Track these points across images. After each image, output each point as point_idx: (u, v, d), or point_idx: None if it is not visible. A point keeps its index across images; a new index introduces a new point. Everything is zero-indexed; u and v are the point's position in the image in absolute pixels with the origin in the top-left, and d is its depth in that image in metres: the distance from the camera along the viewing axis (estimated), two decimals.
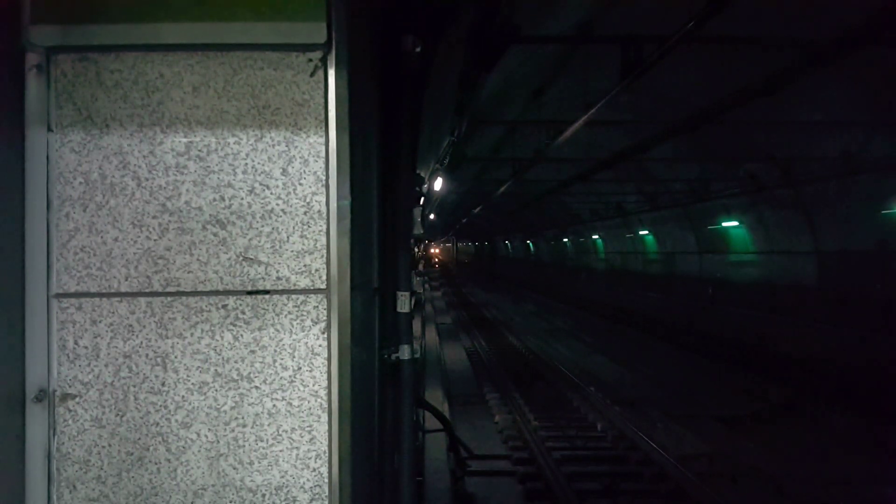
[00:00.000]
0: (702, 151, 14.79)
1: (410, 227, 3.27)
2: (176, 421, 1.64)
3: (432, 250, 75.44)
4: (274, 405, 1.66)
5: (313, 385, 1.66)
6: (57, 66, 1.63)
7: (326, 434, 1.67)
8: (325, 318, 1.67)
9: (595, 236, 30.84)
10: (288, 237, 1.67)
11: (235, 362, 1.65)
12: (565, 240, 37.12)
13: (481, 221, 48.67)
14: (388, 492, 2.92)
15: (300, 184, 1.67)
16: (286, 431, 1.66)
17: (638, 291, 25.01)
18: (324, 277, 1.67)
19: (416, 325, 11.32)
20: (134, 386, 1.63)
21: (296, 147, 1.67)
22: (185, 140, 1.65)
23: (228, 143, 1.65)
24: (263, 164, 1.66)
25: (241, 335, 1.65)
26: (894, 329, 11.52)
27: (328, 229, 1.67)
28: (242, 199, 1.66)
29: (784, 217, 14.96)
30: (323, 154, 1.67)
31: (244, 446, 1.65)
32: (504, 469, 9.01)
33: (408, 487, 2.95)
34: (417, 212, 3.79)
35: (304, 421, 1.66)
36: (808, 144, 12.43)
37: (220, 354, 1.65)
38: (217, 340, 1.65)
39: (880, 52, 8.20)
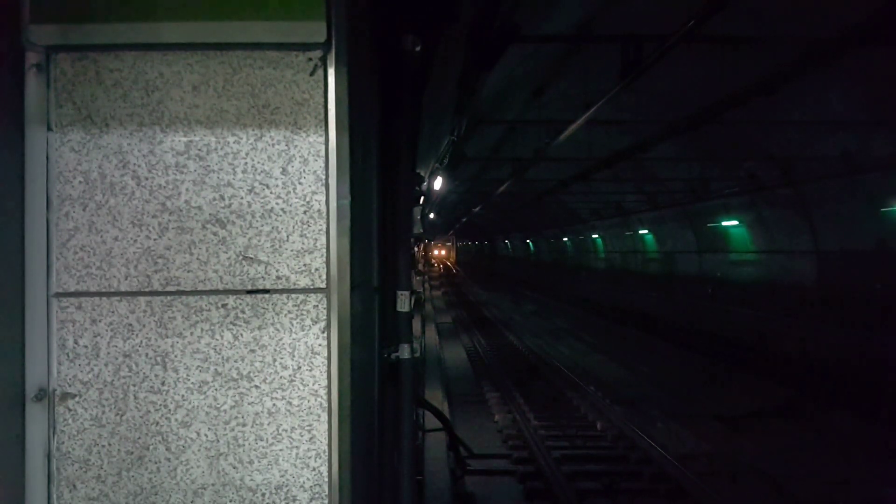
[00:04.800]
0: (702, 151, 14.78)
1: (410, 227, 3.28)
2: (176, 420, 1.64)
3: (434, 252, 74.40)
4: (274, 404, 1.66)
5: (313, 384, 1.67)
6: (56, 66, 1.63)
7: (326, 433, 1.67)
8: (324, 317, 1.67)
9: (595, 235, 30.84)
10: (288, 236, 1.67)
11: (235, 361, 1.65)
12: (565, 239, 37.13)
13: (481, 221, 48.67)
14: (388, 491, 2.92)
15: (300, 183, 1.67)
16: (286, 431, 1.66)
17: (638, 291, 25.00)
18: (324, 277, 1.67)
19: (416, 324, 11.33)
20: (134, 385, 1.63)
21: (295, 146, 1.67)
22: (184, 139, 1.65)
23: (228, 143, 1.65)
24: (263, 164, 1.66)
25: (241, 334, 1.66)
26: (894, 329, 11.52)
27: (328, 228, 1.67)
28: (242, 198, 1.66)
29: (784, 216, 14.96)
30: (323, 153, 1.67)
31: (244, 445, 1.65)
32: (504, 468, 9.02)
33: (408, 487, 2.95)
34: (417, 211, 3.80)
35: (303, 420, 1.66)
36: (807, 144, 12.43)
37: (219, 353, 1.65)
38: (217, 339, 1.65)
39: (880, 51, 8.19)
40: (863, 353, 12.18)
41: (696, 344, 18.16)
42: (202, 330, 1.65)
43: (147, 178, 1.64)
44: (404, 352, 2.79)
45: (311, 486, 1.66)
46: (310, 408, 1.66)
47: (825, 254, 13.84)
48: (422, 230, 4.03)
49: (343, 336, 1.68)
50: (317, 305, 1.67)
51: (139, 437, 1.63)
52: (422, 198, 7.05)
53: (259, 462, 1.66)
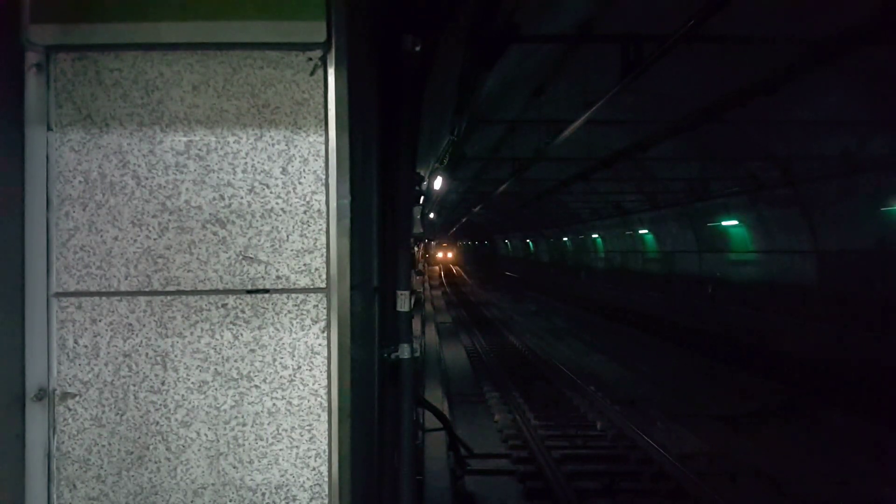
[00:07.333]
0: (702, 151, 14.78)
1: (410, 227, 3.28)
2: (176, 420, 1.64)
3: (438, 255, 73.07)
4: (274, 404, 1.66)
5: (313, 384, 1.67)
6: (56, 65, 1.63)
7: (326, 433, 1.67)
8: (324, 317, 1.67)
9: (595, 235, 30.84)
10: (288, 236, 1.67)
11: (235, 361, 1.65)
12: (565, 239, 37.13)
13: (481, 220, 48.69)
14: (388, 491, 2.93)
15: (300, 183, 1.67)
16: (286, 430, 1.66)
17: (637, 290, 25.01)
18: (323, 276, 1.67)
19: (416, 323, 11.33)
20: (134, 385, 1.63)
21: (295, 146, 1.67)
22: (184, 139, 1.65)
23: (228, 142, 1.65)
24: (263, 163, 1.66)
25: (241, 334, 1.66)
26: (894, 329, 11.52)
27: (328, 228, 1.67)
28: (242, 198, 1.66)
29: (784, 216, 14.96)
30: (323, 153, 1.67)
31: (244, 445, 1.65)
32: (504, 468, 9.02)
33: (408, 486, 2.95)
34: (417, 211, 3.80)
35: (303, 420, 1.66)
36: (807, 143, 12.43)
37: (219, 353, 1.65)
38: (217, 339, 1.65)
39: (880, 51, 8.19)
40: (862, 352, 12.17)
41: (695, 343, 18.16)
42: (202, 330, 1.65)
43: (147, 178, 1.64)
44: (404, 352, 2.79)
45: (311, 486, 1.66)
46: (310, 407, 1.66)
47: (825, 254, 13.83)
48: (422, 230, 4.04)
49: (343, 336, 1.68)
50: (317, 305, 1.67)
51: (139, 437, 1.63)
52: (422, 198, 7.05)
53: (259, 462, 1.66)
